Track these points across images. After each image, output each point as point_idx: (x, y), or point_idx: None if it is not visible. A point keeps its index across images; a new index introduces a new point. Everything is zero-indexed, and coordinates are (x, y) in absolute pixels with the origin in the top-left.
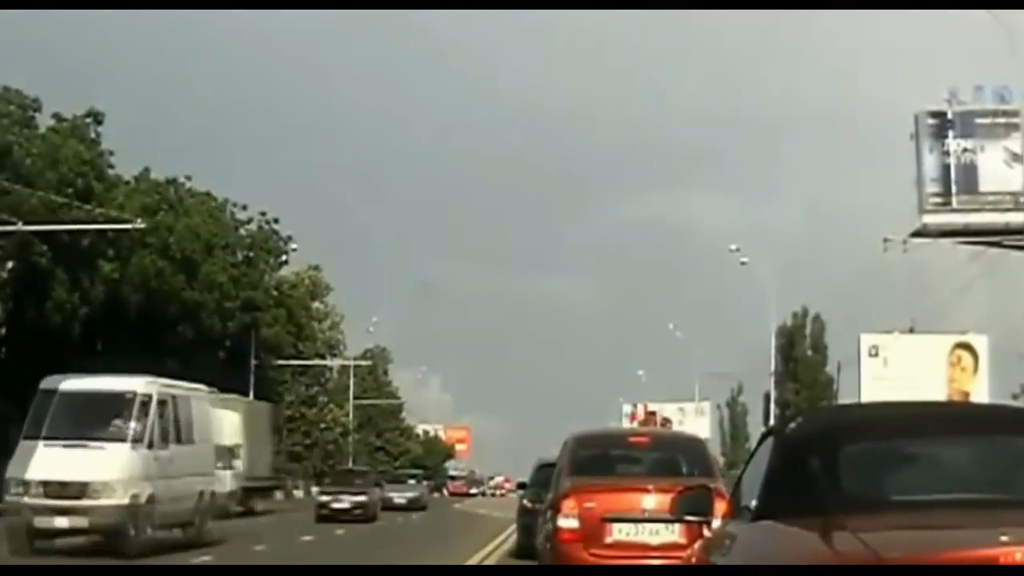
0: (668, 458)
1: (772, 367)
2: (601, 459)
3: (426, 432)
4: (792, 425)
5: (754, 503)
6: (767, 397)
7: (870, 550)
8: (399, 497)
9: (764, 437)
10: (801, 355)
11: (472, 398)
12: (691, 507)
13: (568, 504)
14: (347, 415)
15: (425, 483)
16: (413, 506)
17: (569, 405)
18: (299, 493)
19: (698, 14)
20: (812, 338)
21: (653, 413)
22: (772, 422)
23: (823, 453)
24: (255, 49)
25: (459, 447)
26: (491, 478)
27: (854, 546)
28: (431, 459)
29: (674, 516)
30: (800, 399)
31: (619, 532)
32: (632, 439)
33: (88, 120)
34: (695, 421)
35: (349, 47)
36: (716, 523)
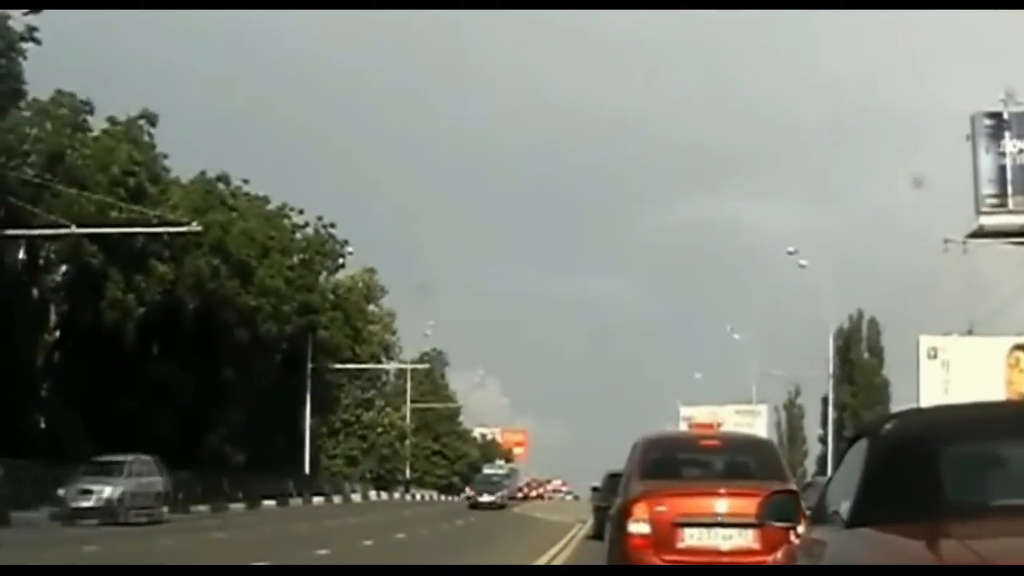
0: (739, 461)
1: (831, 370)
2: (672, 462)
3: (483, 436)
4: (887, 427)
5: (846, 508)
6: (824, 400)
7: (980, 558)
8: None
9: (854, 440)
10: (857, 358)
11: (529, 401)
12: (779, 512)
13: (639, 508)
14: (403, 419)
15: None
16: None
17: (626, 408)
18: (356, 497)
19: (753, 15)
20: (868, 341)
21: (710, 425)
22: (830, 425)
23: (921, 457)
24: (311, 52)
25: (516, 451)
26: (548, 481)
27: (963, 554)
28: (489, 463)
29: (761, 521)
30: (856, 402)
31: (691, 537)
32: (702, 442)
33: (141, 122)
34: (751, 424)
35: (407, 51)
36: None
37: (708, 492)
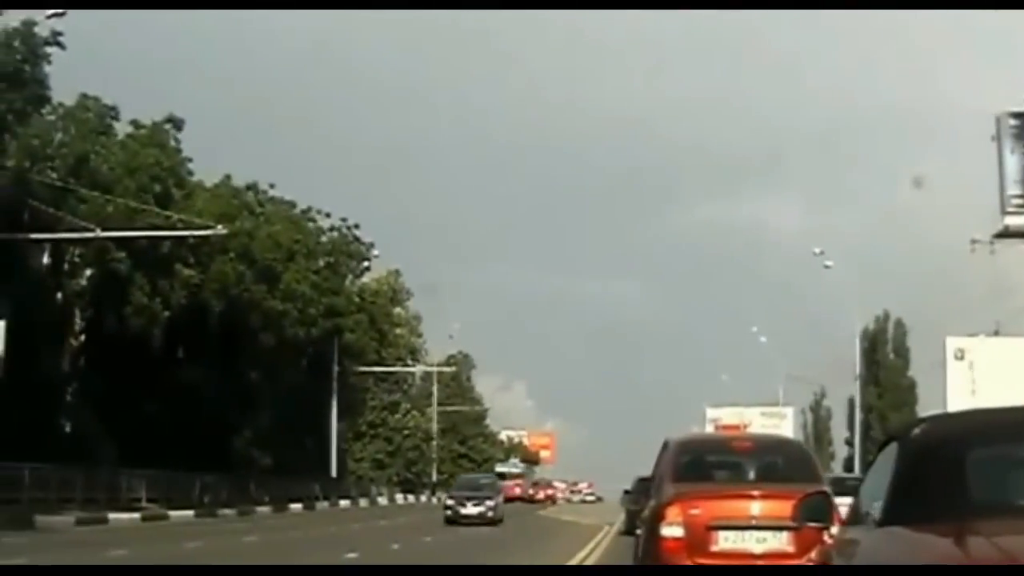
0: (772, 463)
1: (857, 371)
2: (704, 464)
3: (510, 438)
4: (916, 431)
5: (878, 509)
6: (850, 402)
7: (1007, 555)
8: None
9: (884, 444)
10: (883, 359)
11: (556, 404)
12: (813, 513)
13: (672, 512)
14: (430, 421)
15: None
16: None
17: (652, 410)
18: (383, 500)
19: (774, 15)
20: (894, 342)
21: (737, 426)
22: (857, 427)
23: (950, 459)
24: (334, 54)
25: (543, 453)
26: (575, 483)
27: (990, 551)
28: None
29: (796, 522)
30: (882, 403)
31: (725, 540)
32: (734, 443)
33: (167, 126)
34: (777, 425)
35: (426, 51)
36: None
37: (742, 495)
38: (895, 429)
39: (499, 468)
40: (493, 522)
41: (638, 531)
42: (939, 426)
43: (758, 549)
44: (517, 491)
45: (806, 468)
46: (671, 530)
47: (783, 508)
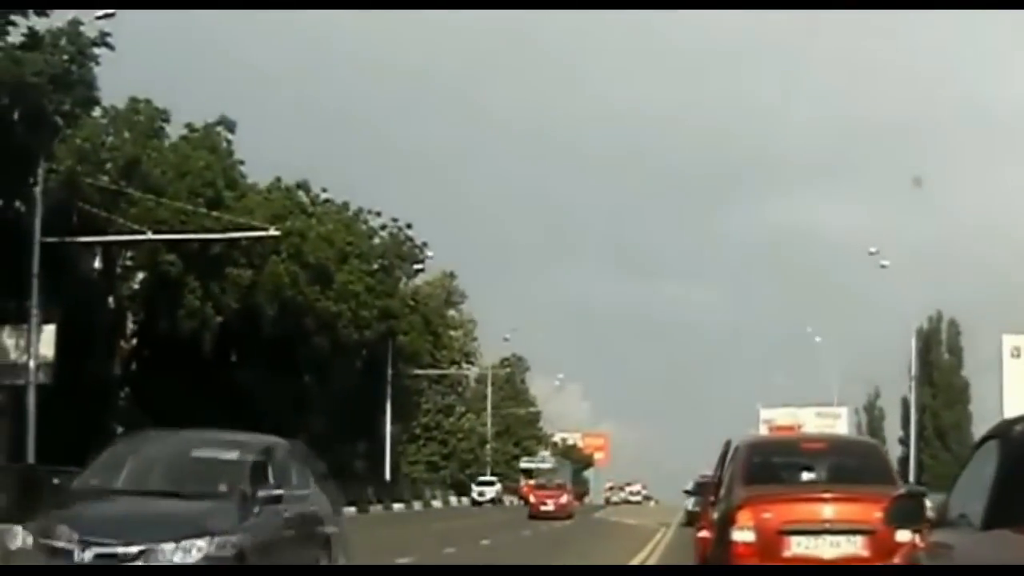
0: (845, 464)
1: (913, 371)
2: (776, 467)
3: (564, 440)
4: (1018, 428)
5: (978, 511)
6: (904, 402)
7: None
8: None
9: (982, 442)
10: (937, 359)
11: (610, 405)
12: (904, 516)
13: (743, 516)
14: (484, 424)
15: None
16: None
17: (706, 411)
18: (437, 503)
19: (840, 15)
20: (948, 342)
21: (791, 428)
22: (913, 426)
23: None
24: (388, 54)
25: (597, 455)
26: (627, 484)
27: None
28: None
29: (887, 524)
30: (936, 403)
31: (798, 545)
32: (806, 444)
33: (219, 128)
34: (831, 426)
35: (488, 52)
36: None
37: (815, 498)
38: (995, 427)
39: (524, 464)
40: None
41: (702, 533)
42: None
43: (833, 554)
44: (549, 498)
45: (881, 469)
46: (742, 535)
47: (858, 511)
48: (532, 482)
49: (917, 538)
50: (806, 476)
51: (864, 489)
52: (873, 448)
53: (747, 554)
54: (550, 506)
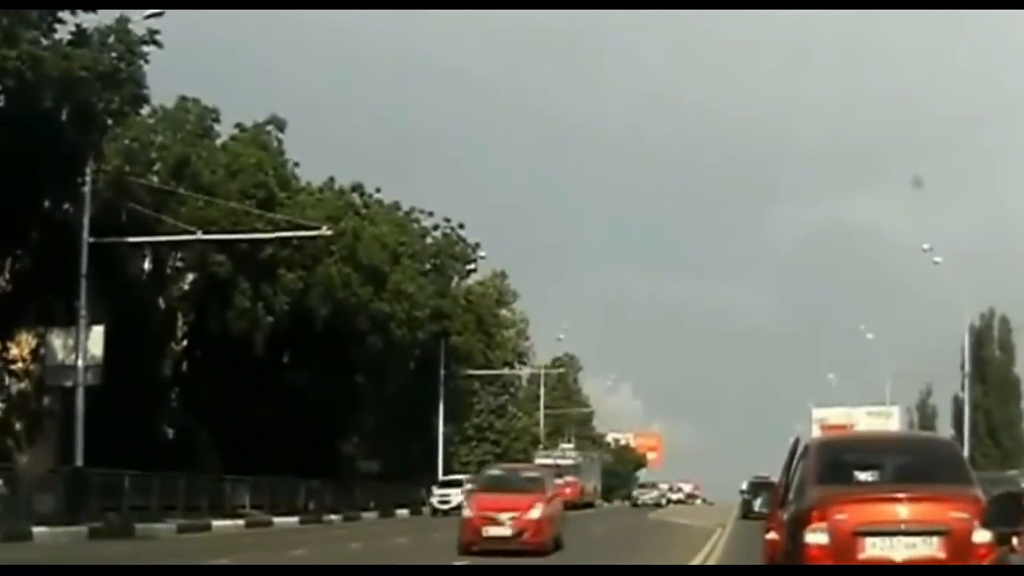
0: (919, 463)
1: (967, 369)
2: (848, 466)
3: (616, 440)
4: None
5: None
6: (956, 399)
7: None
8: None
9: None
10: (989, 356)
11: (662, 405)
12: (1001, 517)
13: (816, 517)
14: (537, 424)
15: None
16: None
17: (758, 410)
18: None
19: (899, 13)
20: (1000, 339)
21: (844, 426)
22: (966, 424)
23: None
24: (439, 55)
25: (650, 455)
26: (672, 485)
27: None
28: (622, 467)
29: (984, 525)
30: (988, 400)
31: (873, 547)
32: (879, 443)
33: (270, 128)
34: (884, 425)
35: (542, 51)
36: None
37: (890, 498)
38: None
39: (540, 459)
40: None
41: (770, 534)
42: None
43: (908, 556)
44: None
45: (956, 467)
46: (816, 537)
47: (934, 511)
48: (471, 486)
49: (1015, 541)
50: (879, 475)
51: (940, 488)
52: (948, 446)
53: (821, 556)
54: (504, 528)
